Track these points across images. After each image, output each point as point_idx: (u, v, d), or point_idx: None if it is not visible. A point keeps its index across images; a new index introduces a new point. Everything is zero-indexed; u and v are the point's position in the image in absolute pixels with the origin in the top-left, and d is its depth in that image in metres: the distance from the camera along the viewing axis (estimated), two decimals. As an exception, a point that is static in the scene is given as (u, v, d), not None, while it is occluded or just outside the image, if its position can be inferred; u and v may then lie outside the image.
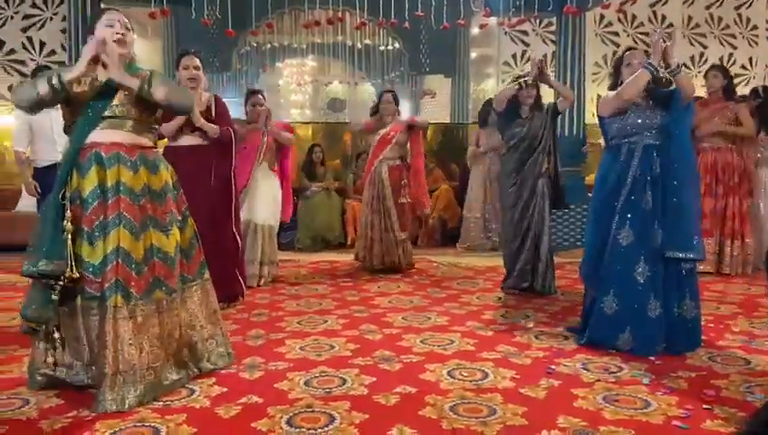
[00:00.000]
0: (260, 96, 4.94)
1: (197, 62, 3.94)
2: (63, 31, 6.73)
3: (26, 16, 6.92)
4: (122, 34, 2.54)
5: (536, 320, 3.67)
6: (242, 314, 3.83)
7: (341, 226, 6.87)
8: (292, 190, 5.58)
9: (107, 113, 2.49)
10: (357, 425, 2.20)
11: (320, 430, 2.16)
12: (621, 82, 3.19)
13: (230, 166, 4.02)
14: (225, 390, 2.54)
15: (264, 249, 4.76)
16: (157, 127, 2.72)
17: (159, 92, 2.51)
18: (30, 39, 6.93)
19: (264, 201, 4.75)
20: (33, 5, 6.96)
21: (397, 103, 5.37)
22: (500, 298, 4.29)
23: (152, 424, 2.21)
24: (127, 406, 2.31)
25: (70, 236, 2.36)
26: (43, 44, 6.97)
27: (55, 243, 2.34)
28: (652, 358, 2.93)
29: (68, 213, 2.38)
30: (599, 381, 2.64)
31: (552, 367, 2.80)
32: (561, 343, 3.20)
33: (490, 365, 2.84)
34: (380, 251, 5.20)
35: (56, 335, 2.40)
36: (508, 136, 4.42)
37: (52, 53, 6.99)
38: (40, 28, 6.96)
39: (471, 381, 2.63)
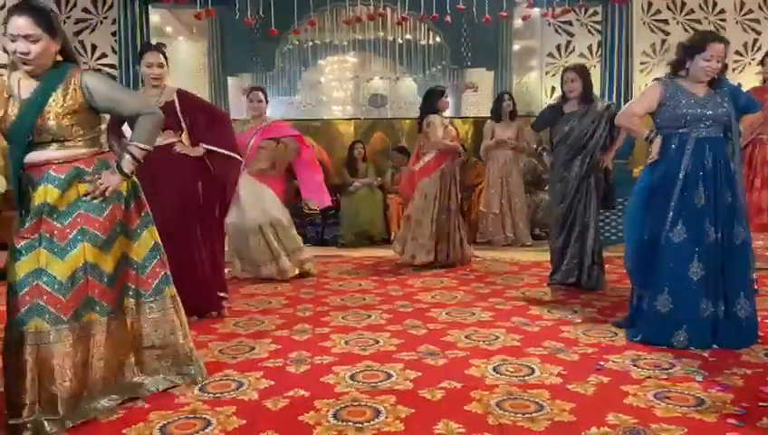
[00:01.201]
0: (260, 93, 4.85)
1: (162, 59, 3.61)
2: (114, 34, 6.91)
3: (78, 21, 7.14)
4: (24, 53, 2.20)
5: (584, 315, 3.60)
6: (287, 310, 3.88)
7: (384, 221, 6.88)
8: (330, 184, 5.63)
9: (35, 139, 2.26)
10: (402, 419, 2.21)
11: (366, 424, 2.18)
12: (686, 69, 3.05)
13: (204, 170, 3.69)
14: (273, 383, 2.59)
15: (271, 246, 4.74)
16: (99, 133, 2.43)
17: (142, 151, 2.38)
18: (82, 43, 7.15)
19: (249, 204, 4.67)
20: (85, 10, 7.18)
21: None
22: (546, 293, 4.23)
23: (203, 416, 2.27)
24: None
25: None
26: (94, 47, 7.17)
27: None
28: (705, 354, 2.85)
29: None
30: (649, 377, 2.58)
31: (601, 363, 2.75)
32: (611, 338, 3.14)
33: (536, 361, 2.80)
34: (432, 247, 5.17)
35: None
36: (554, 133, 4.36)
37: (104, 55, 7.19)
38: (91, 32, 7.18)
39: (517, 377, 2.61)
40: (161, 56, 3.63)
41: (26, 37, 2.19)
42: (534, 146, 4.85)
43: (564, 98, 4.34)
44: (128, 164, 2.37)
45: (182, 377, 2.56)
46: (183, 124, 3.65)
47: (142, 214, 2.47)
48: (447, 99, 5.29)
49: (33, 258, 2.21)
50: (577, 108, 4.26)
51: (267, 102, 4.94)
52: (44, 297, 2.18)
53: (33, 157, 2.28)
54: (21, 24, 2.19)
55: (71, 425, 2.19)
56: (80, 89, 2.28)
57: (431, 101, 5.26)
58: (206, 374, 2.64)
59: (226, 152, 3.74)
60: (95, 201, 2.31)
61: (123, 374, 2.45)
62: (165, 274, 2.52)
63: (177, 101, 3.64)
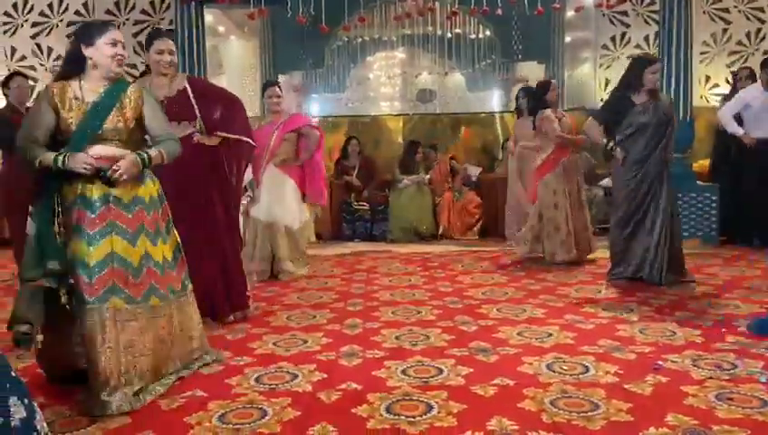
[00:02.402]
0: (276, 88, 4.87)
1: (172, 45, 3.41)
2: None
3: (137, 22, 7.40)
4: (122, 56, 2.57)
5: (640, 314, 3.51)
6: (338, 304, 3.93)
7: (433, 217, 6.87)
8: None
9: (98, 136, 2.47)
10: (455, 415, 2.21)
11: (419, 418, 2.19)
12: None
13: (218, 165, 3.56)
14: (326, 376, 2.63)
15: (274, 248, 4.78)
16: (147, 140, 2.70)
17: (158, 160, 2.58)
18: (140, 43, 7.39)
19: (268, 199, 4.72)
20: (143, 12, 7.42)
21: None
22: (600, 291, 4.14)
23: (260, 406, 2.33)
24: (128, 408, 2.32)
25: (63, 242, 2.42)
26: (151, 48, 7.41)
27: (54, 246, 2.41)
28: (770, 356, 2.75)
29: (59, 219, 2.43)
30: (711, 378, 2.50)
31: (659, 363, 2.68)
32: (669, 337, 3.05)
33: (591, 359, 2.75)
34: (572, 244, 5.01)
35: (39, 338, 2.40)
36: (625, 124, 4.17)
37: (161, 56, 7.43)
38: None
39: (571, 375, 2.57)
40: (172, 43, 3.43)
41: (122, 43, 2.57)
42: (604, 140, 4.35)
43: (632, 88, 4.18)
44: (145, 157, 2.53)
45: (209, 357, 2.83)
46: (197, 113, 3.48)
47: (168, 216, 2.72)
48: (556, 90, 5.21)
49: (106, 243, 2.43)
50: (647, 98, 4.14)
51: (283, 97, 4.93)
52: (118, 278, 2.42)
53: (98, 150, 2.46)
54: (120, 33, 2.61)
55: (150, 396, 2.42)
56: (140, 99, 2.60)
57: (541, 96, 5.21)
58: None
59: (240, 137, 3.60)
60: (146, 200, 2.57)
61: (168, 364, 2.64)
62: (186, 270, 2.77)
63: (189, 88, 3.48)
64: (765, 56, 6.22)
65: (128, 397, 2.35)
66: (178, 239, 2.74)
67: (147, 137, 2.69)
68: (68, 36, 2.61)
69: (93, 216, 2.43)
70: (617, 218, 4.33)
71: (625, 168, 4.22)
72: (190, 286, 2.78)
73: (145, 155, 2.53)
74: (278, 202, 4.80)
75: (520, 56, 9.96)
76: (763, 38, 7.48)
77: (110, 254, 2.42)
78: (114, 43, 2.53)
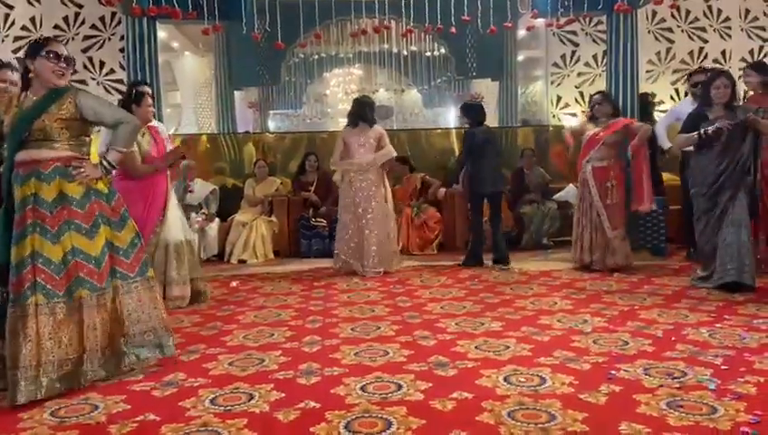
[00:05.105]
0: (148, 97, 4.36)
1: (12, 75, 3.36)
2: (122, 50, 6.98)
3: (86, 37, 7.23)
4: (62, 68, 2.83)
5: (594, 325, 3.59)
6: (296, 322, 3.88)
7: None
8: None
9: (28, 137, 2.75)
10: (414, 430, 2.21)
11: (377, 435, 2.17)
12: None
13: None
14: (283, 395, 2.59)
15: (182, 267, 4.38)
16: (86, 139, 2.91)
17: (119, 154, 2.92)
18: (90, 59, 7.23)
19: (175, 219, 4.44)
20: (93, 27, 7.26)
21: (612, 103, 5.50)
22: (556, 302, 4.20)
23: (215, 428, 2.27)
24: (42, 396, 2.54)
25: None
26: (102, 64, 7.25)
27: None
28: (718, 363, 2.83)
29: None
30: (662, 386, 2.56)
31: (613, 372, 2.74)
32: (621, 347, 3.12)
33: (547, 371, 2.79)
34: (586, 248, 5.36)
35: None
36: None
37: (111, 71, 7.27)
38: (99, 48, 7.26)
39: (528, 387, 2.60)
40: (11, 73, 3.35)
41: (62, 56, 2.82)
42: (665, 145, 4.70)
43: (708, 105, 4.36)
44: (105, 163, 2.89)
45: (161, 350, 2.98)
46: None
47: (121, 211, 2.96)
48: (598, 104, 5.41)
49: (27, 242, 2.66)
50: (722, 113, 4.31)
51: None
52: (42, 276, 2.63)
53: (21, 156, 2.74)
54: (60, 46, 2.85)
55: (65, 388, 2.63)
56: (73, 101, 2.78)
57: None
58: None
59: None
60: (77, 196, 2.78)
61: (116, 347, 2.86)
62: (145, 259, 3.01)
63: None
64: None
65: (42, 386, 2.55)
66: (136, 230, 3.00)
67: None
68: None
69: (17, 216, 2.67)
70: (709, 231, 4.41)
71: (698, 184, 4.43)
72: (149, 273, 2.99)
73: (106, 163, 2.85)
74: (182, 220, 4.56)
75: (474, 73, 10.14)
76: (705, 57, 7.81)
77: (31, 252, 2.64)
78: (57, 58, 2.79)
